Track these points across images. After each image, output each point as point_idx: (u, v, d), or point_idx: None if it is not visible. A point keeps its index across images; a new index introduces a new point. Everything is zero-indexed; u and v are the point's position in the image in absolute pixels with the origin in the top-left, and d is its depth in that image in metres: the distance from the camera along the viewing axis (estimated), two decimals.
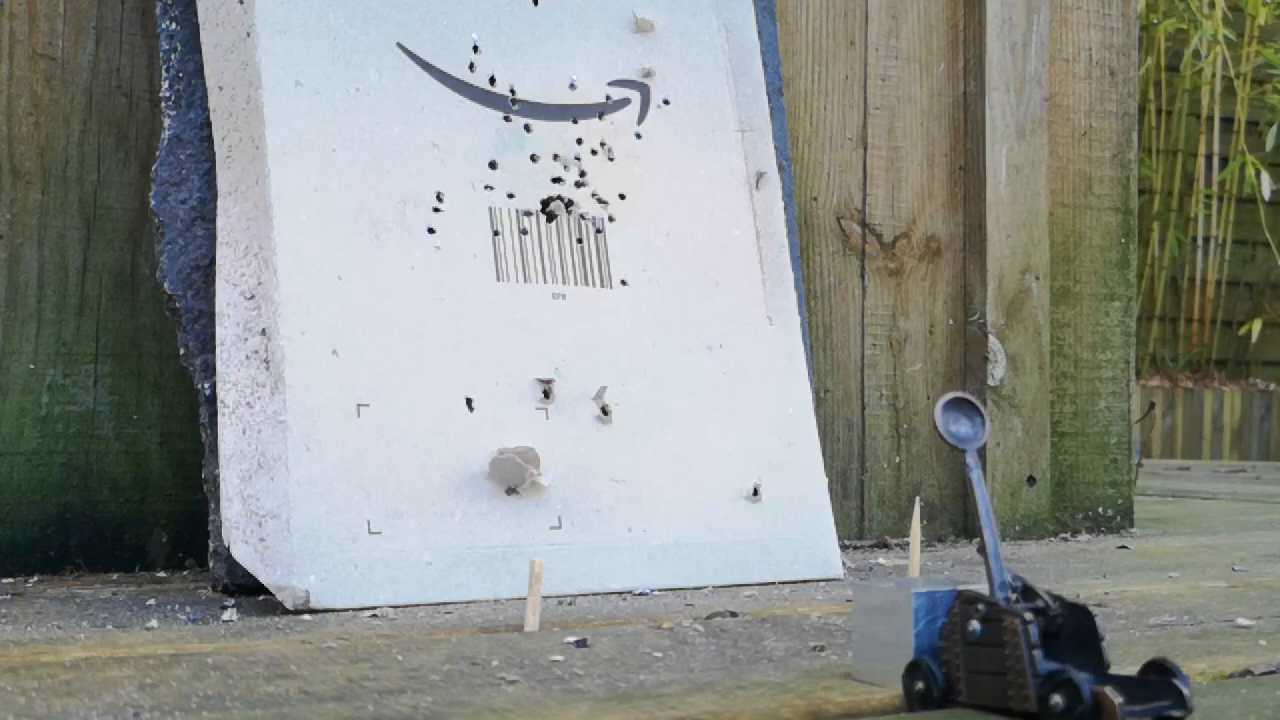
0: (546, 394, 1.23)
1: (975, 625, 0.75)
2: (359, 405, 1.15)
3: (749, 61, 1.44)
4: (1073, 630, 0.75)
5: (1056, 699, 0.71)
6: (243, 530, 1.10)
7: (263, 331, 1.14)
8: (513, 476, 1.17)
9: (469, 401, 1.19)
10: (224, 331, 1.16)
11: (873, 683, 0.81)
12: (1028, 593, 0.76)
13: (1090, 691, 0.69)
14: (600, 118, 1.34)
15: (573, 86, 1.33)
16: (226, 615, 1.06)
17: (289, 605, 1.07)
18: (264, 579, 1.08)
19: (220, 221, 1.19)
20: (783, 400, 1.34)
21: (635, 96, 1.36)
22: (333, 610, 1.08)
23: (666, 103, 1.38)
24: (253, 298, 1.15)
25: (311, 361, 1.14)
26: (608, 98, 1.35)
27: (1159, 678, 0.72)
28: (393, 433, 1.15)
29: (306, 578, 1.08)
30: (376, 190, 1.21)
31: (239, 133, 1.19)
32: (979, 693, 0.75)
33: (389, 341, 1.18)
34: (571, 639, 0.95)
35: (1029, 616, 0.73)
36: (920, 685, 0.77)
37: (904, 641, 0.78)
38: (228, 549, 1.12)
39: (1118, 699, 0.68)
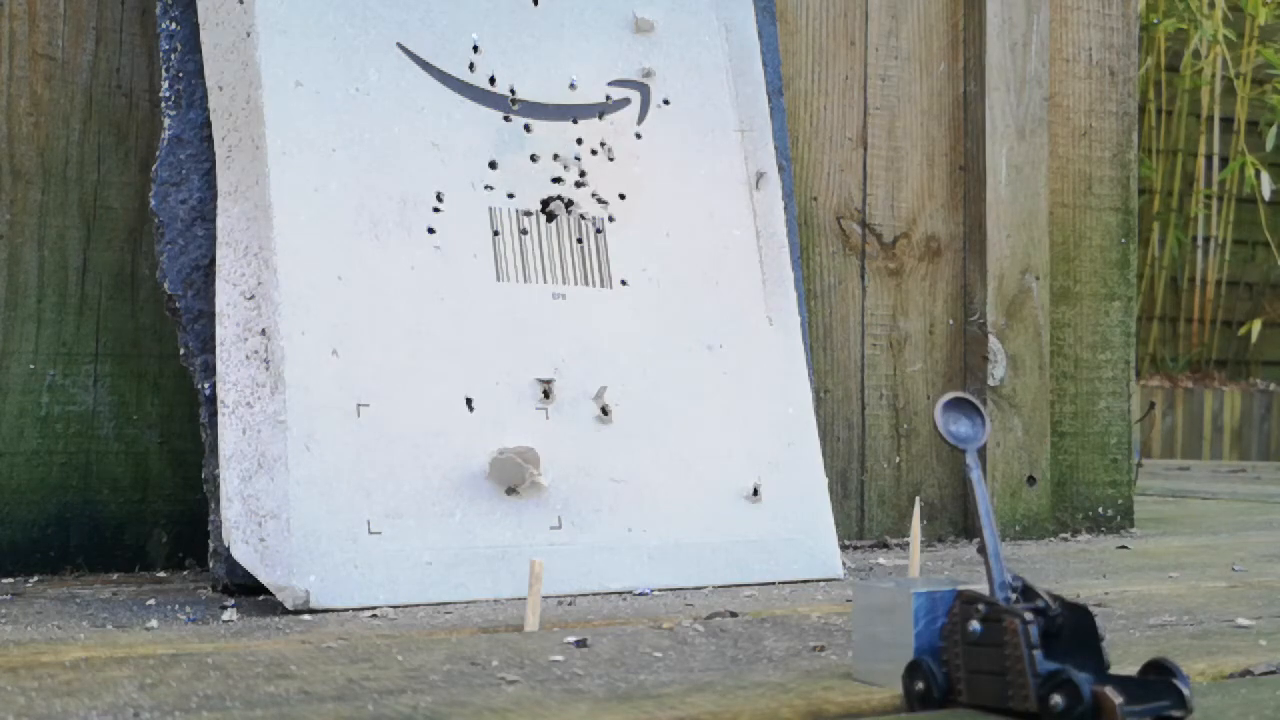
0: (546, 394, 1.23)
1: (975, 625, 0.75)
2: (359, 405, 1.15)
3: (749, 61, 1.44)
4: (1073, 630, 0.75)
5: (1056, 699, 0.70)
6: (243, 530, 1.10)
7: (262, 331, 1.14)
8: (513, 476, 1.17)
9: (469, 401, 1.19)
10: (224, 331, 1.16)
11: (872, 683, 0.81)
12: (1028, 593, 0.76)
13: (1090, 691, 0.69)
14: (600, 118, 1.34)
15: (573, 86, 1.33)
16: (226, 615, 1.06)
17: (289, 605, 1.07)
18: (264, 579, 1.08)
19: (220, 221, 1.19)
20: (782, 400, 1.34)
21: (635, 96, 1.36)
22: (333, 610, 1.08)
23: (666, 103, 1.38)
24: (252, 298, 1.15)
25: (311, 361, 1.14)
26: (608, 98, 1.35)
27: (1159, 677, 0.72)
28: (393, 433, 1.15)
29: (306, 578, 1.08)
30: (376, 190, 1.21)
31: (239, 133, 1.19)
32: (979, 693, 0.75)
33: (389, 341, 1.17)
34: (571, 639, 0.95)
35: (1029, 616, 0.73)
36: (920, 685, 0.77)
37: (904, 641, 0.78)
38: (228, 549, 1.12)
39: (1117, 699, 0.68)
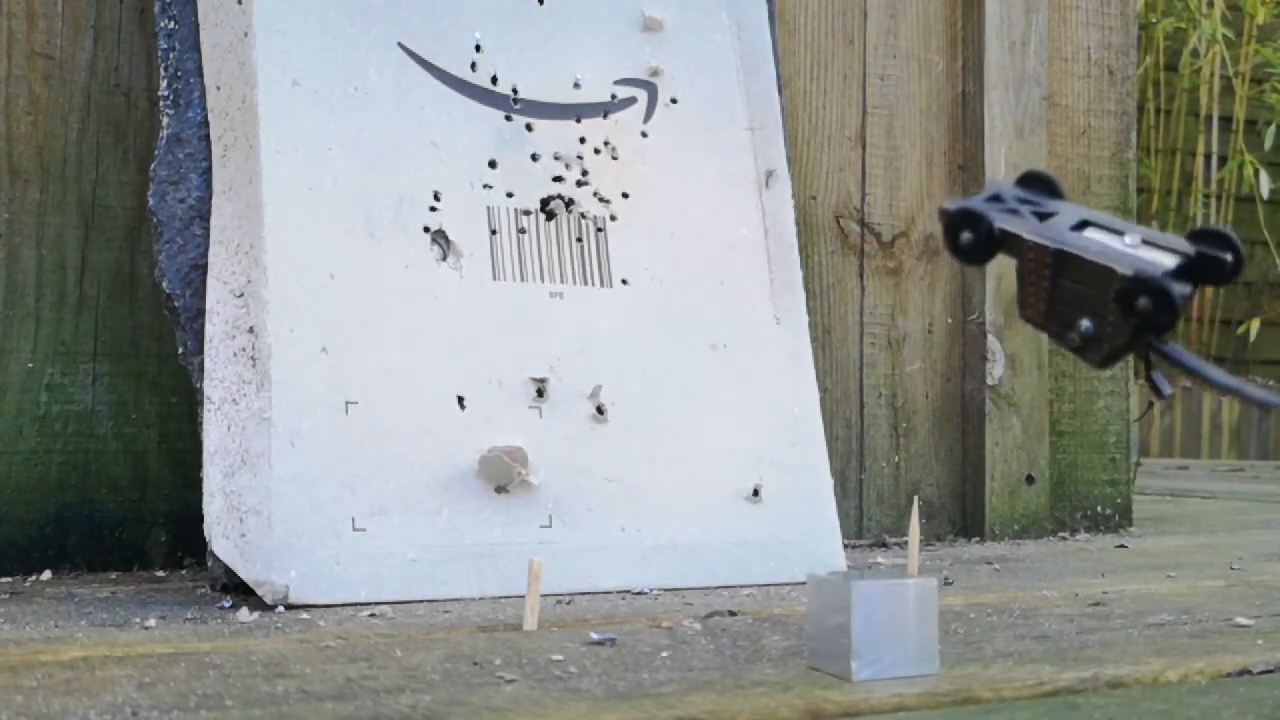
0: (540, 393, 1.23)
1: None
2: (347, 403, 1.15)
3: (761, 59, 1.42)
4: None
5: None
6: (223, 526, 1.10)
7: (250, 329, 1.14)
8: (501, 475, 1.17)
9: (460, 400, 1.19)
10: (212, 329, 1.16)
11: (821, 669, 0.84)
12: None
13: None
14: (605, 117, 1.33)
15: (577, 86, 1.33)
16: (225, 614, 1.06)
17: (268, 600, 1.07)
18: (243, 574, 1.09)
19: (214, 220, 1.19)
20: (788, 400, 1.34)
21: (642, 95, 1.36)
22: (313, 605, 1.08)
23: (674, 101, 1.37)
24: (241, 295, 1.15)
25: (299, 359, 1.13)
26: (613, 96, 1.34)
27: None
28: (381, 430, 1.15)
29: (287, 573, 1.08)
30: (372, 189, 1.20)
31: (234, 132, 1.19)
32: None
33: (381, 339, 1.17)
34: (595, 636, 0.95)
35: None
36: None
37: (847, 628, 0.81)
38: (207, 544, 1.12)
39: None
